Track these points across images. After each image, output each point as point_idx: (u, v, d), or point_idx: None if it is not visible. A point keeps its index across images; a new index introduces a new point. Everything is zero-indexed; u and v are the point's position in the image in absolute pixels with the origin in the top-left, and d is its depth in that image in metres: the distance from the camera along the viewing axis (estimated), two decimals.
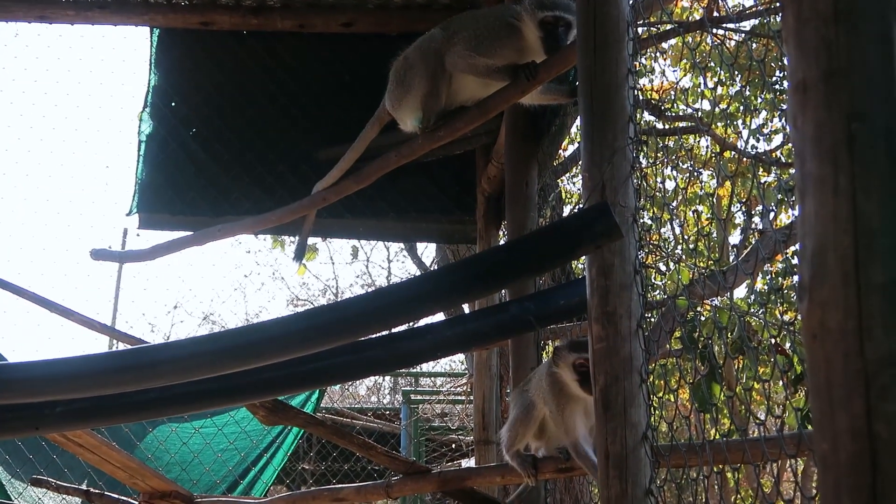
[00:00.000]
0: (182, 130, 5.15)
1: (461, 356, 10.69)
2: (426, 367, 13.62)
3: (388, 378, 18.92)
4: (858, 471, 1.02)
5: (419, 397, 11.49)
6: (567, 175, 8.07)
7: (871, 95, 1.07)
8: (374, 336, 2.20)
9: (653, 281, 8.63)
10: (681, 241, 8.77)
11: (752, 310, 6.59)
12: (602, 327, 2.38)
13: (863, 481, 1.01)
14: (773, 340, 5.73)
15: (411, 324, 2.38)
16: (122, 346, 4.68)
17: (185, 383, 2.11)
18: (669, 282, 7.98)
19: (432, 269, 10.43)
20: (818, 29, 1.10)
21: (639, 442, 2.34)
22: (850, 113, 1.07)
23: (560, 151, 5.78)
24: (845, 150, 1.06)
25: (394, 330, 2.22)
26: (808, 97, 1.10)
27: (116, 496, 4.92)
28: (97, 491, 5.00)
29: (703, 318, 5.42)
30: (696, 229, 8.88)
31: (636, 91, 2.47)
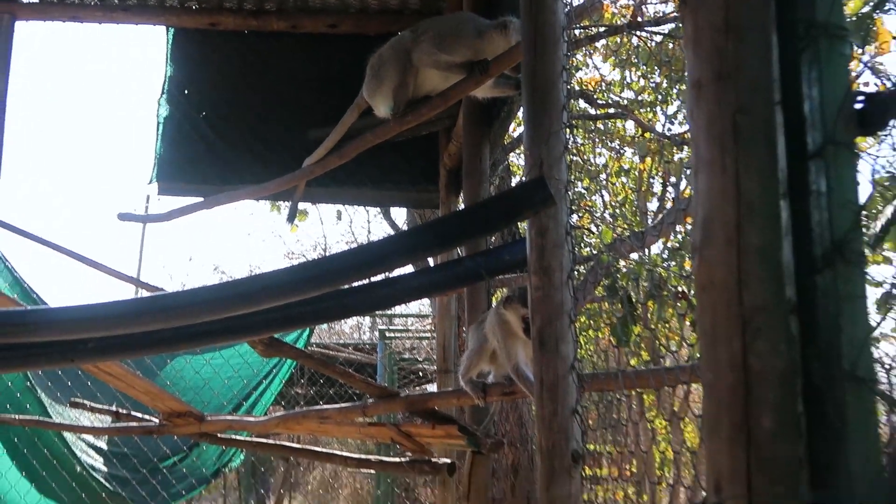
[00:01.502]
0: (193, 114, 5.13)
1: (426, 301, 10.73)
2: (399, 309, 13.67)
3: (367, 319, 19.07)
4: (735, 395, 1.04)
5: (393, 334, 11.54)
6: (514, 152, 8.09)
7: (753, 93, 1.09)
8: (353, 285, 2.21)
9: (585, 239, 8.70)
10: (608, 207, 8.83)
11: (664, 264, 6.67)
12: (539, 278, 2.41)
13: (738, 403, 1.03)
14: (677, 289, 5.79)
15: (385, 274, 2.38)
16: (144, 294, 4.67)
17: (195, 324, 2.11)
18: (597, 240, 8.04)
19: (403, 229, 10.47)
20: (712, 38, 1.10)
21: (567, 371, 2.37)
22: (735, 107, 1.08)
23: (509, 133, 5.77)
24: (731, 138, 1.07)
25: (370, 280, 2.23)
26: (703, 94, 1.11)
27: (140, 415, 4.92)
28: (124, 411, 5.00)
29: (623, 271, 5.48)
30: (620, 197, 8.93)
31: (568, 85, 2.47)
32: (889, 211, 3.34)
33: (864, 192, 1.11)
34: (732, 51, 1.09)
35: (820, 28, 1.08)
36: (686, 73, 1.16)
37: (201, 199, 4.89)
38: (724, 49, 1.09)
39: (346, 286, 2.21)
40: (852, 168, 1.06)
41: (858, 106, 1.07)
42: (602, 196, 8.92)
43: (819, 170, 1.06)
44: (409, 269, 3.93)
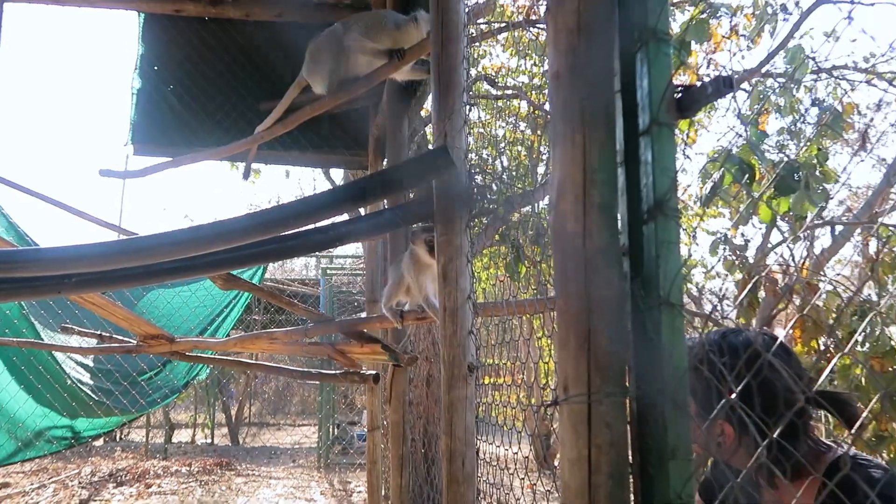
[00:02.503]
0: (162, 87, 4.98)
1: (360, 245, 10.68)
2: (339, 251, 13.57)
3: (312, 259, 18.90)
4: (579, 317, 1.07)
5: (333, 272, 11.47)
6: (429, 125, 8.07)
7: (598, 83, 1.11)
8: (295, 230, 2.21)
9: (488, 197, 8.75)
10: (506, 170, 8.88)
11: (546, 216, 6.76)
12: (443, 227, 2.43)
13: (582, 323, 1.07)
14: None
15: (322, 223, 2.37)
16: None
17: (163, 262, 2.09)
18: (497, 197, 8.11)
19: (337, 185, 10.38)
20: (567, 38, 1.12)
21: (465, 300, 2.41)
22: (584, 94, 1.10)
23: (425, 108, 5.75)
24: (580, 119, 1.09)
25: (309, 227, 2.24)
26: (560, 82, 1.13)
27: (121, 338, 4.83)
28: (107, 334, 4.90)
29: (515, 221, 5.55)
30: (515, 162, 8.98)
31: (468, 70, 2.48)
32: (716, 176, 3.47)
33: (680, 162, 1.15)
34: (583, 49, 1.11)
35: (650, 32, 1.10)
36: (548, 66, 1.17)
37: (170, 158, 4.78)
38: (577, 47, 1.11)
39: (289, 231, 2.21)
40: (671, 143, 1.09)
41: (677, 95, 1.11)
42: (501, 161, 8.96)
43: (647, 144, 1.09)
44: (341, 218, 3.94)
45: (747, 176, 2.94)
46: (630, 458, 1.09)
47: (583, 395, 1.07)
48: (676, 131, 1.14)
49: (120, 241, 2.28)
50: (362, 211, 4.41)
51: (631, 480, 1.08)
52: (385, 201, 4.13)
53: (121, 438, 12.34)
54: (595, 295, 1.07)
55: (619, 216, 1.12)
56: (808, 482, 1.63)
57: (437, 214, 2.48)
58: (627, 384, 1.09)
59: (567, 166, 1.10)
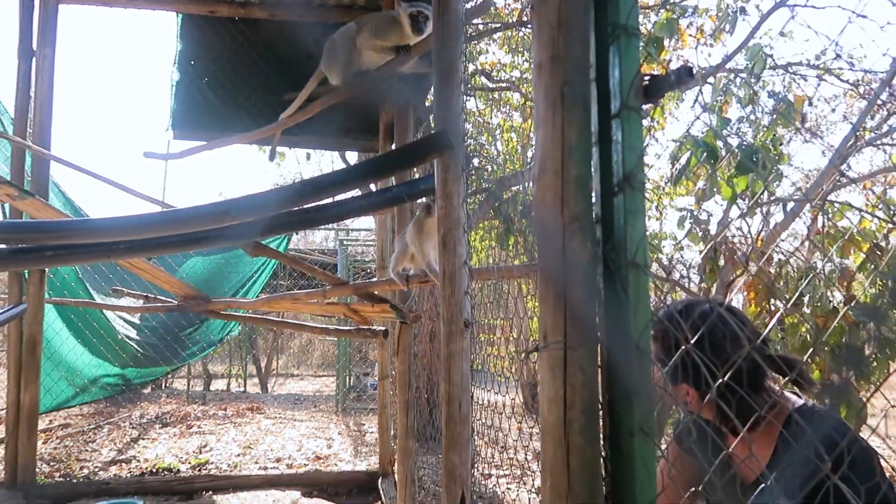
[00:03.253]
0: (198, 79, 4.96)
1: (372, 218, 10.68)
2: (355, 224, 13.61)
3: (331, 232, 18.94)
4: (556, 276, 1.08)
5: (349, 243, 11.49)
6: (432, 114, 8.02)
7: (576, 72, 1.11)
8: (314, 204, 2.22)
9: (484, 177, 8.72)
10: (501, 154, 8.84)
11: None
12: (443, 200, 2.43)
13: (559, 281, 1.08)
14: None
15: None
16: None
17: (198, 231, 2.10)
18: (491, 177, 8.09)
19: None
20: (549, 32, 1.12)
21: (462, 265, 2.41)
22: (563, 81, 1.10)
23: (429, 98, 5.71)
24: (560, 103, 1.09)
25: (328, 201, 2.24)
26: (542, 72, 1.13)
27: (164, 298, 4.86)
28: (152, 296, 4.93)
29: (507, 198, 5.54)
30: (509, 147, 8.94)
31: (465, 65, 2.46)
32: (684, 158, 3.45)
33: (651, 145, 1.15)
34: (563, 42, 1.11)
35: (622, 28, 1.09)
36: (533, 57, 1.17)
37: (205, 142, 4.77)
38: (557, 40, 1.11)
39: (309, 205, 2.22)
40: (639, 125, 1.09)
41: (645, 83, 1.10)
42: (496, 146, 8.93)
43: (617, 126, 1.09)
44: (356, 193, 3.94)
45: (709, 157, 2.94)
46: (601, 397, 1.11)
47: (560, 343, 1.08)
48: (647, 118, 1.14)
49: (162, 213, 2.29)
50: (373, 187, 4.41)
51: (601, 416, 1.10)
52: (393, 179, 4.14)
53: (166, 386, 12.45)
54: (571, 257, 1.08)
55: (593, 190, 1.12)
56: (765, 430, 1.64)
57: (438, 190, 2.48)
58: (598, 333, 1.10)
59: (548, 145, 1.11)
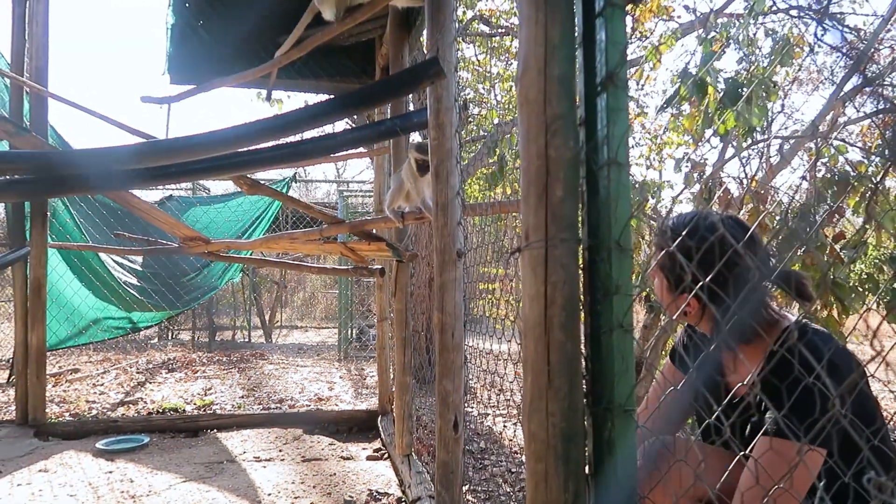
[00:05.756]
0: (193, 21, 4.84)
1: (371, 166, 10.63)
2: (353, 177, 13.56)
3: (334, 186, 18.88)
4: (539, 175, 1.08)
5: (349, 193, 11.47)
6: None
7: None
8: (307, 136, 2.20)
9: (482, 123, 8.65)
10: (499, 103, 8.74)
11: None
12: (436, 131, 2.42)
13: (541, 180, 1.08)
14: None
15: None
16: None
17: (194, 161, 2.09)
18: (489, 123, 8.02)
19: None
20: None
21: (454, 196, 2.42)
22: None
23: (422, 37, 5.64)
24: (543, 1, 1.08)
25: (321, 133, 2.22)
26: None
27: (165, 241, 4.87)
28: (152, 238, 4.94)
29: (503, 140, 5.51)
30: (507, 96, 8.83)
31: (457, 3, 2.42)
32: (672, 90, 3.41)
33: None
34: None
35: None
36: None
37: (202, 85, 4.71)
38: None
39: (302, 137, 2.20)
40: (622, 23, 1.08)
41: None
42: (495, 93, 8.81)
43: (601, 24, 1.08)
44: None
45: (698, 90, 2.90)
46: (581, 297, 1.12)
47: (541, 241, 1.09)
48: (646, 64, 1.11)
49: (154, 142, 2.27)
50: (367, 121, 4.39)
51: (582, 315, 1.11)
52: (389, 111, 4.12)
53: (172, 337, 12.60)
54: (553, 155, 1.07)
55: (576, 87, 1.10)
56: (758, 344, 1.65)
57: (431, 121, 2.46)
58: (578, 232, 1.10)
59: (531, 43, 1.09)
